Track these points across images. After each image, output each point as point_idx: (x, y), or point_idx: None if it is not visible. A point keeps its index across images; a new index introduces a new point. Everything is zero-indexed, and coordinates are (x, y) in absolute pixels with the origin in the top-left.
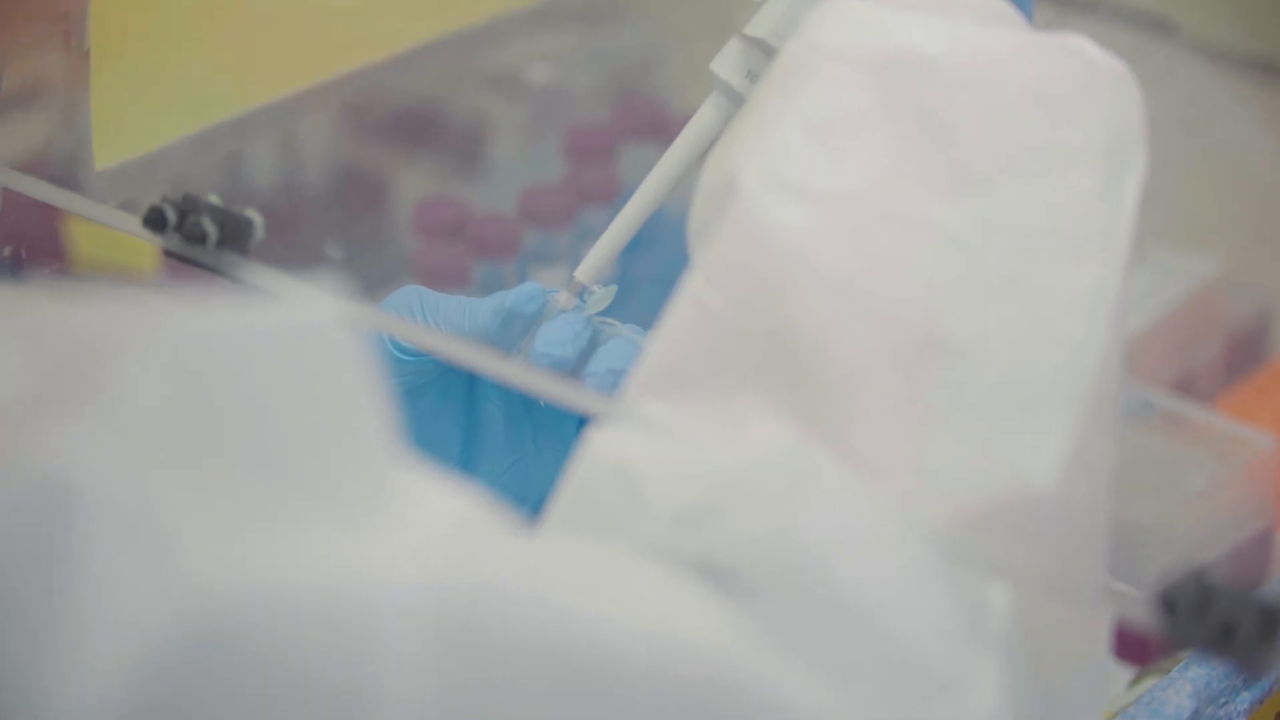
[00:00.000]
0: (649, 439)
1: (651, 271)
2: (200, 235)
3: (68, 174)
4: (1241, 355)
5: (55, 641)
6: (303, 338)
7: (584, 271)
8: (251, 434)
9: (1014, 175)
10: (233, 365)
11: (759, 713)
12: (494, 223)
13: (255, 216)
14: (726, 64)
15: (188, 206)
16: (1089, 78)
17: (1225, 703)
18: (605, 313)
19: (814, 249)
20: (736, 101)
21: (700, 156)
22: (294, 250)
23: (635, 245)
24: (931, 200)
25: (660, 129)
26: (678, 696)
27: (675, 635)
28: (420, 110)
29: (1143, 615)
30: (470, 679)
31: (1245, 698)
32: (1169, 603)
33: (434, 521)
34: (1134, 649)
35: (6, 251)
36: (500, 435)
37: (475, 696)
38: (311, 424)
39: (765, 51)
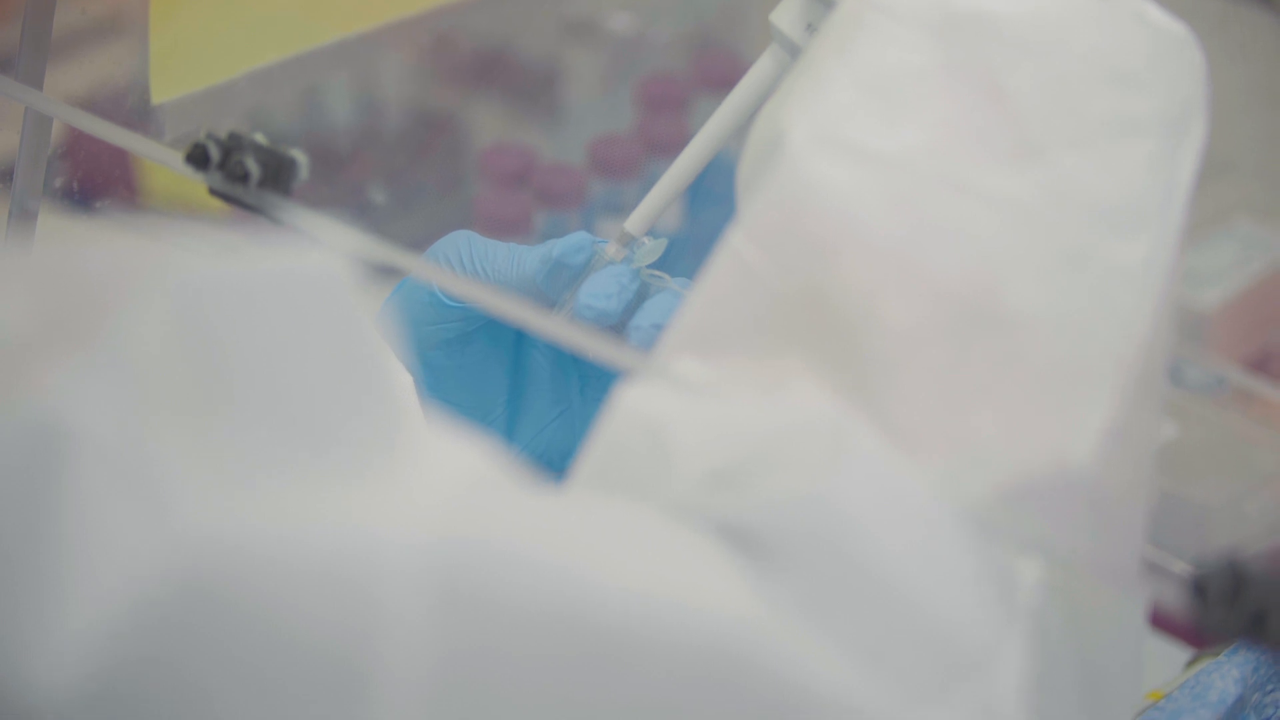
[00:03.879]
0: (681, 397)
1: (719, 226)
2: (242, 174)
3: (142, 107)
4: None
5: (42, 586)
6: (315, 285)
7: (634, 223)
8: (256, 382)
9: (1073, 144)
10: (240, 311)
11: (778, 688)
12: (559, 172)
13: (300, 156)
14: (786, 16)
15: (232, 144)
16: (1153, 43)
17: (1272, 690)
18: (664, 266)
19: (863, 211)
20: (795, 54)
21: (757, 110)
22: (353, 192)
23: (703, 198)
24: (988, 167)
25: (735, 83)
26: (692, 669)
27: (693, 606)
28: (497, 54)
29: (1177, 600)
30: (473, 646)
31: None
32: (1200, 588)
33: (446, 478)
34: (1192, 631)
35: (58, 183)
36: (547, 386)
37: (478, 664)
38: (320, 374)
39: (826, 4)
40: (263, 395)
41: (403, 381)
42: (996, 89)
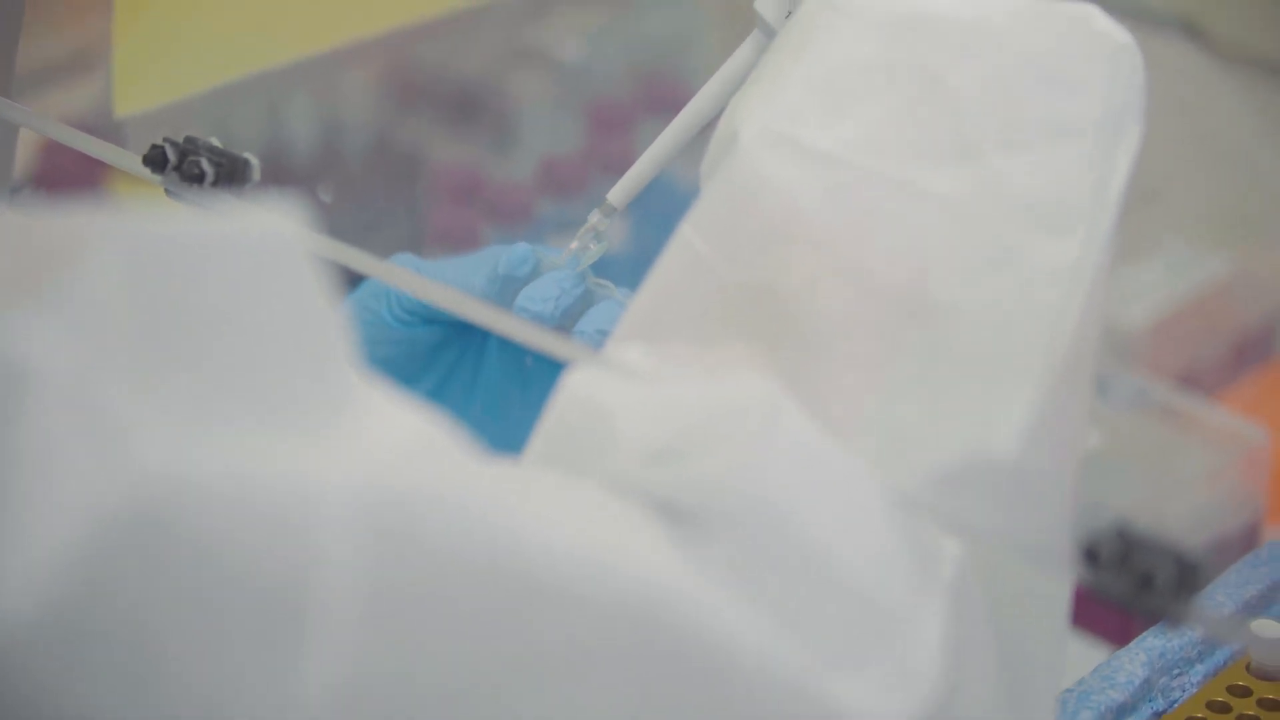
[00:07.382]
0: (624, 381)
1: (662, 245)
2: (198, 175)
3: (105, 129)
4: (1247, 355)
5: None
6: (269, 248)
7: (616, 194)
8: (208, 335)
9: (1008, 144)
10: (194, 267)
11: (697, 646)
12: (509, 189)
13: (252, 159)
14: (769, 3)
15: (188, 147)
16: (1092, 48)
17: (1179, 674)
18: (608, 278)
19: (804, 205)
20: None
21: (734, 94)
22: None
23: (647, 217)
24: (925, 164)
25: (681, 107)
26: (612, 622)
27: (617, 566)
28: (450, 77)
29: (1070, 566)
30: (401, 587)
31: (1199, 670)
32: (1092, 553)
33: (389, 433)
34: (1115, 630)
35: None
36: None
37: (404, 605)
38: (270, 330)
39: None
40: (214, 348)
41: (349, 344)
42: (937, 87)
